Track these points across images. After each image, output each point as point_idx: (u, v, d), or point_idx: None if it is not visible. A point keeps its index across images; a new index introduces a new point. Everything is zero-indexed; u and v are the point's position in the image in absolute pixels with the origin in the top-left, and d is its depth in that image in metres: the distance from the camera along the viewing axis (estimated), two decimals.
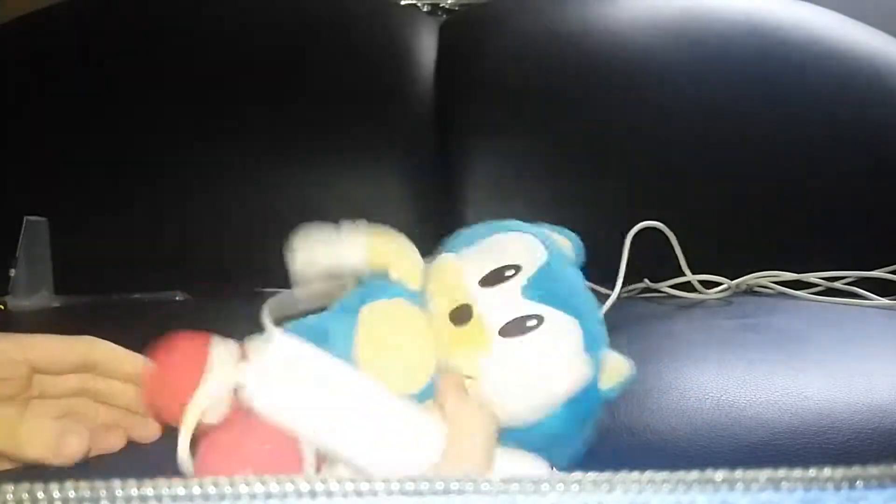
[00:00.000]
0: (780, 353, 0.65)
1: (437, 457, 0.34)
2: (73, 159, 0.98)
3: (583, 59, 1.04)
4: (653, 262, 0.84)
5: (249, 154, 0.99)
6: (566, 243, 0.43)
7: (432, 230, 0.90)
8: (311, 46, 1.05)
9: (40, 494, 0.18)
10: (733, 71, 1.04)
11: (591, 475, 0.19)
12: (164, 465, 0.35)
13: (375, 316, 0.38)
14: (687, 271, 0.86)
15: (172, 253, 0.96)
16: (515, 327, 0.37)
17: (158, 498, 0.18)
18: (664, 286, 0.88)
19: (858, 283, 0.90)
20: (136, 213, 0.97)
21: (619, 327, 0.71)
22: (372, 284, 0.40)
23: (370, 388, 0.35)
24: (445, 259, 0.40)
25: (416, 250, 0.42)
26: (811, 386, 0.56)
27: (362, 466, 0.34)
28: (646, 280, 0.88)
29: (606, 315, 0.72)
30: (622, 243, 0.82)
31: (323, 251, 0.40)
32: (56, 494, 0.18)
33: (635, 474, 0.19)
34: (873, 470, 0.19)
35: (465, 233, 0.42)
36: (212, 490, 0.18)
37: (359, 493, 0.18)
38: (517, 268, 0.38)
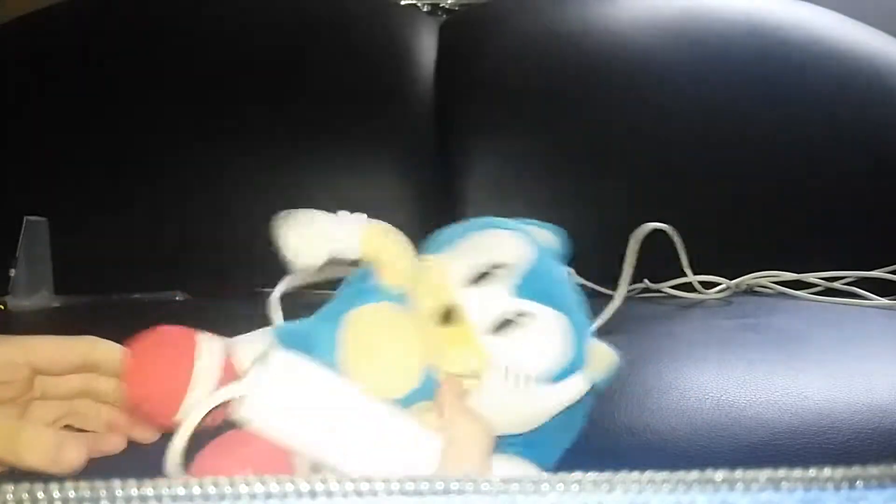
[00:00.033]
0: (780, 353, 0.65)
1: (434, 468, 0.33)
2: (73, 159, 0.98)
3: (583, 59, 1.04)
4: (652, 262, 0.83)
5: (249, 154, 0.99)
6: (550, 239, 0.43)
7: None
8: (311, 46, 1.05)
9: (40, 494, 0.18)
10: (733, 71, 1.04)
11: (591, 475, 0.19)
12: (165, 465, 0.36)
13: (361, 321, 0.38)
14: (689, 272, 0.86)
15: (172, 253, 0.96)
16: (505, 325, 0.37)
17: (158, 498, 0.18)
18: (665, 287, 0.88)
19: (858, 283, 0.91)
20: (136, 213, 0.97)
21: (620, 328, 0.71)
22: (357, 287, 0.40)
23: (366, 403, 0.35)
24: (430, 260, 0.40)
25: (410, 247, 0.41)
26: (811, 386, 0.56)
27: None
28: (645, 280, 0.88)
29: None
30: (622, 243, 0.82)
31: (319, 244, 0.39)
32: (56, 494, 0.18)
33: (635, 474, 0.19)
34: (873, 470, 0.19)
35: (444, 232, 0.42)
36: (212, 490, 0.18)
37: (359, 493, 0.18)
38: (503, 266, 0.38)
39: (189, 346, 0.37)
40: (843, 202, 0.99)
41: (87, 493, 0.18)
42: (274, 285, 0.44)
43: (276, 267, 0.42)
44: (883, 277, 0.91)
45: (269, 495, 0.18)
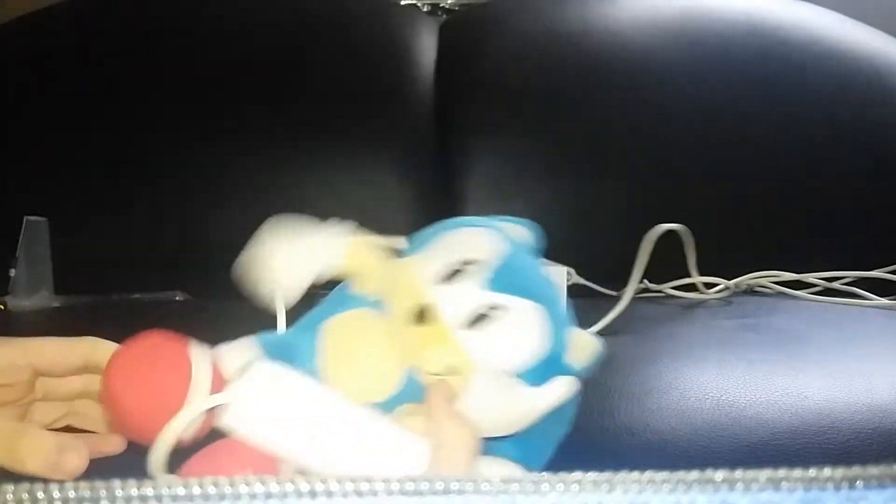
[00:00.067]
0: (780, 353, 0.65)
1: (421, 471, 0.33)
2: (73, 159, 0.98)
3: (583, 59, 1.04)
4: (651, 262, 0.83)
5: (249, 154, 0.99)
6: (523, 233, 0.43)
7: None
8: (311, 46, 1.05)
9: (40, 494, 0.18)
10: (733, 71, 1.04)
11: (591, 475, 0.19)
12: (176, 459, 0.36)
13: (338, 329, 0.38)
14: (694, 272, 0.86)
15: (172, 253, 0.96)
16: (479, 319, 0.37)
17: (158, 498, 0.18)
18: (666, 287, 0.88)
19: (857, 283, 0.91)
20: (136, 213, 0.97)
21: (620, 328, 0.71)
22: (335, 296, 0.40)
23: (346, 408, 0.35)
24: (400, 263, 0.40)
25: (390, 255, 0.42)
26: (811, 386, 0.56)
27: None
28: (645, 281, 0.88)
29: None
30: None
31: (301, 273, 0.40)
32: (56, 494, 0.18)
33: (635, 474, 0.19)
34: (873, 470, 0.19)
35: (418, 236, 0.42)
36: (212, 490, 0.18)
37: (359, 493, 0.18)
38: (474, 261, 0.38)
39: (183, 362, 0.37)
40: (843, 202, 0.99)
41: (87, 493, 0.18)
42: None
43: None
44: (883, 277, 0.91)
45: (269, 495, 0.18)
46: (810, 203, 0.99)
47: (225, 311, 0.74)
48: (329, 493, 0.18)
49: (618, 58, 1.04)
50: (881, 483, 0.19)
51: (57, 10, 1.12)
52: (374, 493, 0.18)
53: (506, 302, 0.37)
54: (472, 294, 0.37)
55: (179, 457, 0.35)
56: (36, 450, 0.36)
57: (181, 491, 0.18)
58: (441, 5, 1.24)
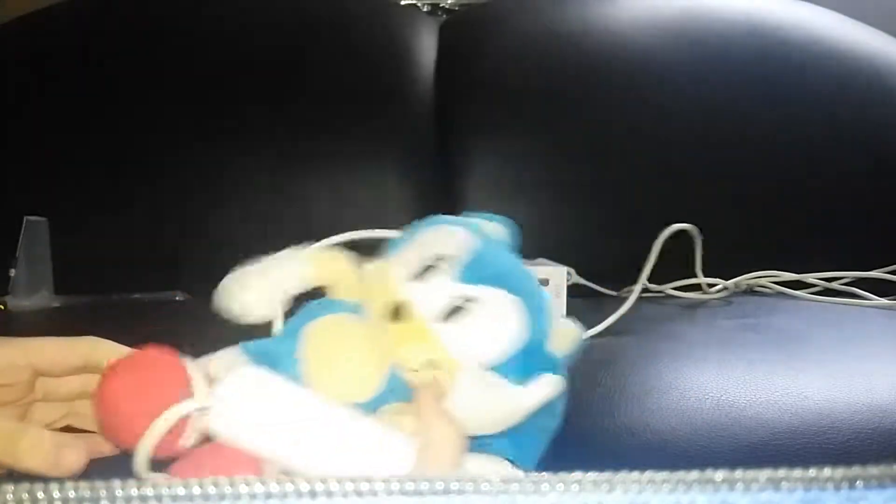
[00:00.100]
0: (780, 353, 0.65)
1: (407, 471, 0.34)
2: (73, 159, 0.98)
3: (583, 59, 1.04)
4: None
5: (249, 154, 0.99)
6: (497, 230, 0.43)
7: None
8: (311, 46, 1.05)
9: (40, 494, 0.18)
10: (733, 71, 1.04)
11: (591, 475, 0.19)
12: (164, 465, 0.36)
13: (318, 333, 0.39)
14: (700, 273, 0.87)
15: (172, 253, 0.96)
16: (454, 312, 0.37)
17: (158, 498, 0.18)
18: (666, 288, 0.88)
19: (857, 283, 0.91)
20: (136, 213, 0.97)
21: (620, 328, 0.71)
22: (313, 305, 0.41)
23: (329, 410, 0.35)
24: (373, 266, 0.41)
25: (361, 261, 0.42)
26: (811, 386, 0.56)
27: None
28: (646, 281, 0.88)
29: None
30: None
31: (272, 297, 0.41)
32: (56, 494, 0.18)
33: (635, 474, 0.19)
34: (873, 470, 0.19)
35: (391, 242, 0.42)
36: (212, 490, 0.18)
37: (359, 493, 0.18)
38: (446, 257, 0.39)
39: (179, 373, 0.37)
40: (843, 202, 0.99)
41: (87, 493, 0.18)
42: None
43: None
44: (882, 277, 0.91)
45: (269, 495, 0.18)
46: (810, 203, 0.99)
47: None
48: (329, 493, 0.18)
49: (618, 58, 1.04)
50: (881, 483, 0.19)
51: (57, 10, 1.12)
52: (374, 493, 0.18)
53: (479, 293, 0.38)
54: (444, 288, 0.38)
55: (167, 462, 0.36)
56: (35, 448, 0.37)
57: (181, 491, 0.18)
58: (441, 5, 1.24)
